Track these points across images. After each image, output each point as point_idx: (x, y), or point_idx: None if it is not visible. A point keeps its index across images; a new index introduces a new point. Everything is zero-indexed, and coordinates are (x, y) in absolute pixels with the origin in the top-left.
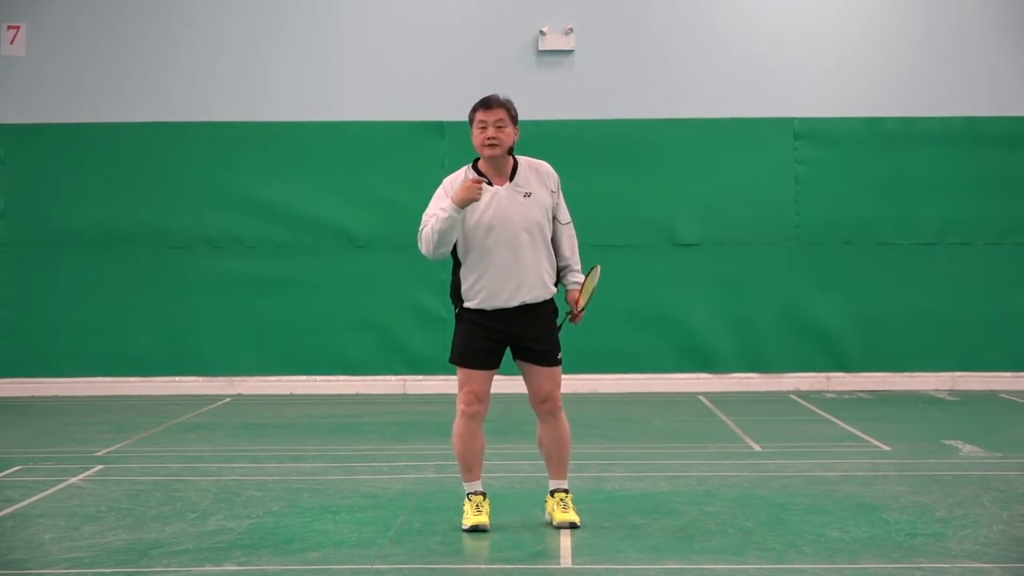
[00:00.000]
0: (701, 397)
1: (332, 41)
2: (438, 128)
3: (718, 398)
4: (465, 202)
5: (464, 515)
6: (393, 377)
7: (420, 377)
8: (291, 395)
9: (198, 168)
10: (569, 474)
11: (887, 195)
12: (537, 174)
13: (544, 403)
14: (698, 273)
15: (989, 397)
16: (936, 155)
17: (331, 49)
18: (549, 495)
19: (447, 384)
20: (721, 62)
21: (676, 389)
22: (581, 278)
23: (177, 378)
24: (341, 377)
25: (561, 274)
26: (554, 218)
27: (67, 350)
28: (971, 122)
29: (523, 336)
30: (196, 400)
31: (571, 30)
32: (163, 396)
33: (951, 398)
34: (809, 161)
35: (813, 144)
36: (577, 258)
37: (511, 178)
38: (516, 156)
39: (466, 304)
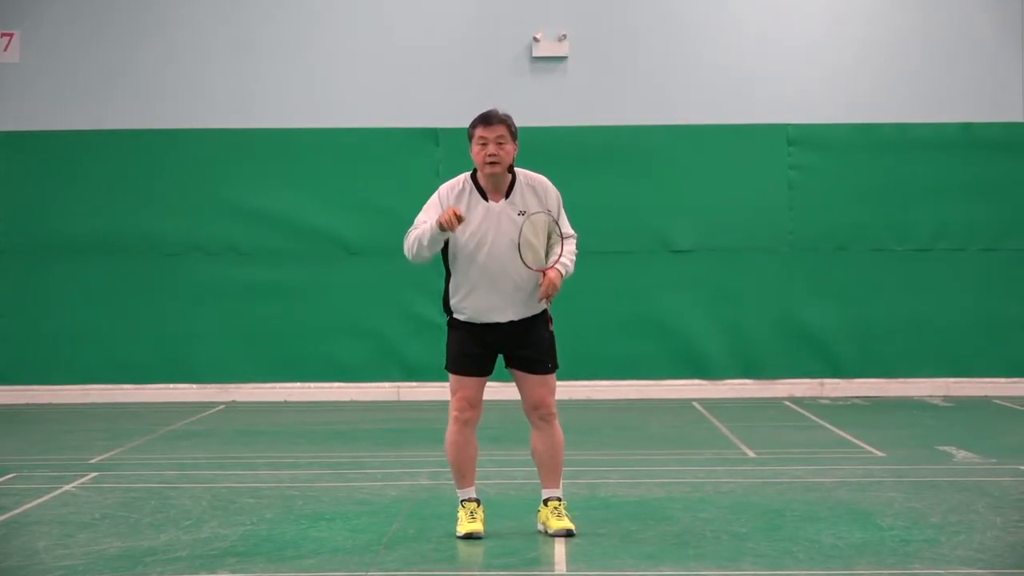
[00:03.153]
0: (695, 403)
1: (326, 48)
2: (432, 135)
3: (712, 404)
4: (443, 228)
5: (458, 522)
6: (387, 384)
7: (414, 384)
8: (285, 402)
9: (192, 175)
10: (562, 482)
11: (881, 201)
12: (534, 192)
13: (537, 409)
14: (692, 279)
15: (983, 403)
16: (930, 161)
17: (325, 56)
18: (542, 504)
19: (442, 391)
20: (715, 68)
21: (670, 395)
22: (564, 261)
23: (171, 385)
24: (335, 384)
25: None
26: (552, 232)
27: (61, 357)
28: (965, 128)
29: (514, 345)
30: (190, 407)
31: (564, 37)
32: (157, 403)
33: (945, 404)
34: (803, 167)
35: (807, 150)
36: (569, 251)
37: (507, 195)
38: (516, 170)
39: (455, 316)
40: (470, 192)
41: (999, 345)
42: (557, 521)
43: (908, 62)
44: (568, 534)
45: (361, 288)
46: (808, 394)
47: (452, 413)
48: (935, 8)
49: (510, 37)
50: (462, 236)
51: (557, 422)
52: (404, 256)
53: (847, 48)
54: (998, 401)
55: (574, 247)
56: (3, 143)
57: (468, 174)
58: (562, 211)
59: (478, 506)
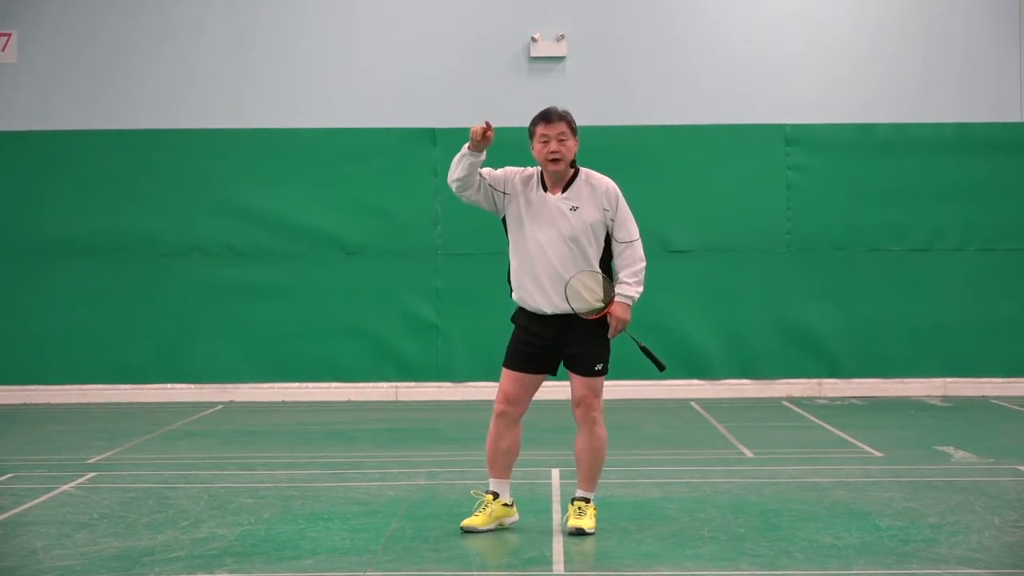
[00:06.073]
0: (693, 403)
1: (323, 48)
2: (430, 135)
3: (710, 404)
4: (476, 145)
5: None
6: (385, 384)
7: (412, 384)
8: (283, 402)
9: (190, 175)
10: (598, 484)
11: (878, 201)
12: (592, 190)
13: (577, 408)
14: (690, 280)
15: (981, 403)
16: (927, 161)
17: (322, 56)
18: (570, 502)
19: (439, 391)
20: (713, 68)
21: (668, 395)
22: (625, 290)
23: (169, 385)
24: (333, 384)
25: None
26: (611, 236)
27: (59, 358)
28: (962, 128)
29: (562, 342)
30: (188, 407)
31: (563, 37)
32: (155, 403)
33: (943, 404)
34: (801, 168)
35: (805, 151)
36: (630, 273)
37: (564, 189)
38: (579, 167)
39: (513, 293)
40: (535, 182)
41: (997, 345)
42: (573, 520)
43: (906, 62)
44: (579, 532)
45: (359, 288)
46: (806, 394)
47: (494, 405)
48: (932, 9)
49: (508, 37)
50: (521, 217)
51: (599, 427)
52: (402, 257)
53: (845, 49)
54: (996, 401)
55: (638, 262)
56: (1, 143)
57: (538, 167)
58: (622, 213)
59: (494, 499)
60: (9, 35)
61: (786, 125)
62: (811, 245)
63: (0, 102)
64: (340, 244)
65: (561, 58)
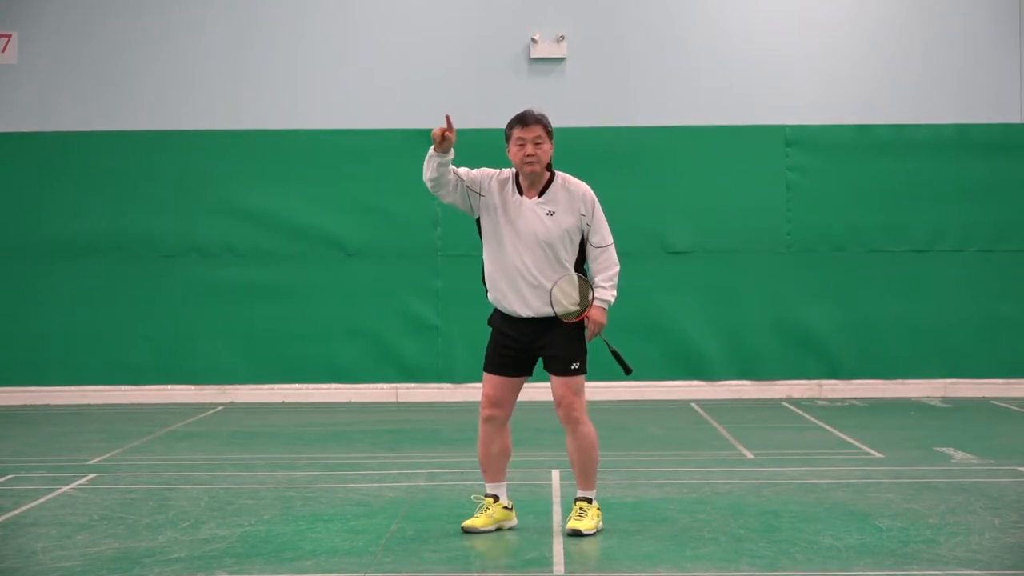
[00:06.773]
0: (693, 404)
1: (323, 49)
2: (430, 135)
3: (710, 405)
4: (439, 146)
5: None
6: (385, 385)
7: (412, 385)
8: (283, 403)
9: (190, 176)
10: (597, 483)
11: (878, 202)
12: (569, 195)
13: (559, 408)
14: (690, 281)
15: (981, 404)
16: (927, 162)
17: (322, 57)
18: (573, 502)
19: (439, 392)
20: (713, 69)
21: (669, 397)
22: (602, 294)
23: (169, 387)
24: (333, 385)
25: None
26: (586, 240)
27: (59, 359)
28: (962, 129)
29: (537, 344)
30: (188, 409)
31: (563, 38)
32: (155, 405)
33: (943, 405)
34: (801, 168)
35: (805, 152)
36: (605, 277)
37: (541, 193)
38: (555, 171)
39: (489, 294)
40: (511, 185)
41: (997, 346)
42: (572, 521)
43: (906, 64)
44: (575, 534)
45: (358, 289)
46: (806, 395)
47: (480, 410)
48: (932, 9)
49: (508, 38)
50: (496, 220)
51: (583, 426)
52: (402, 257)
53: (845, 50)
54: (996, 402)
55: (612, 266)
56: (1, 143)
57: (514, 170)
58: (597, 218)
59: (495, 502)
60: (9, 36)
61: (786, 126)
62: (811, 246)
63: (0, 102)
64: (340, 244)
65: (561, 59)
